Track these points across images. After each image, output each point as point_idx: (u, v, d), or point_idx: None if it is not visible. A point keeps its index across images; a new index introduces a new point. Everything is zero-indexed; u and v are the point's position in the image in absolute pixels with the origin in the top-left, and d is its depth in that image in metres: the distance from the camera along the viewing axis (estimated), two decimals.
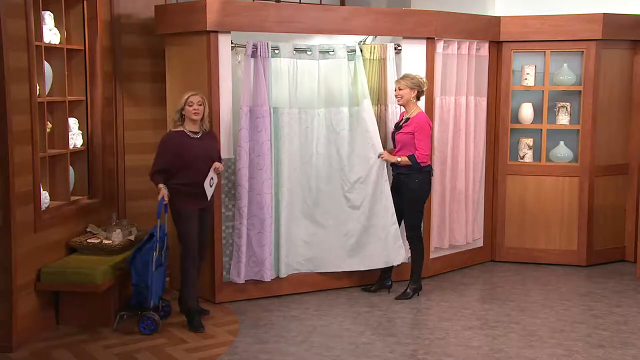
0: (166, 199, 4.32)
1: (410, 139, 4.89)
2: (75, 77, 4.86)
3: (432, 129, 5.07)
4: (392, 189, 5.11)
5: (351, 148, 5.10)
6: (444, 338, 4.36)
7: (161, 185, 4.32)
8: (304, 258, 5.08)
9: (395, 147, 5.01)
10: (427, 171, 4.98)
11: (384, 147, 5.15)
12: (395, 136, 4.99)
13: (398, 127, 5.00)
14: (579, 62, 5.93)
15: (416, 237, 5.05)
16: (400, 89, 4.90)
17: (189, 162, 4.31)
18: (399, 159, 4.90)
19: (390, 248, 5.11)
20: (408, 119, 4.93)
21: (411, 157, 4.88)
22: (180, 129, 4.35)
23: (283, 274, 5.03)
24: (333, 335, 4.37)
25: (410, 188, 4.94)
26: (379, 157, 5.00)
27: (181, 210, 4.36)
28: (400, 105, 4.98)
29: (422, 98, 5.10)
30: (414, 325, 4.61)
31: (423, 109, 5.09)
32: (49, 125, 4.59)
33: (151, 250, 4.32)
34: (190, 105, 4.34)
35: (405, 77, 4.93)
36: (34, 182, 4.22)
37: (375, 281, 5.24)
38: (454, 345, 4.24)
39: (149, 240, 4.38)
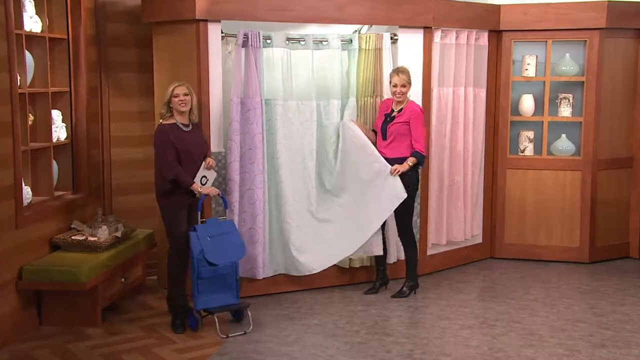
0: (214, 193, 4.38)
1: (406, 129, 4.87)
2: (58, 67, 4.82)
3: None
4: None
5: (342, 141, 5.08)
6: (441, 337, 4.35)
7: (196, 185, 4.28)
8: (308, 257, 5.03)
9: (385, 138, 4.96)
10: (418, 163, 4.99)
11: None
12: (388, 128, 4.94)
13: (391, 118, 4.96)
14: (581, 52, 5.92)
15: (409, 233, 5.03)
16: (403, 86, 4.86)
17: (183, 156, 4.28)
18: (410, 163, 4.86)
19: (387, 196, 4.93)
20: (401, 109, 4.90)
21: (415, 154, 4.86)
22: (172, 121, 4.31)
23: (294, 273, 5.02)
24: (327, 335, 4.36)
25: (404, 183, 4.92)
26: (391, 173, 4.88)
27: (169, 207, 4.33)
28: (398, 101, 4.93)
29: (420, 90, 5.10)
30: (411, 324, 4.60)
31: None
32: (31, 117, 4.55)
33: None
34: (176, 97, 4.30)
35: (404, 71, 4.88)
36: (15, 177, 4.18)
37: (373, 284, 5.18)
38: (452, 345, 4.23)
39: None
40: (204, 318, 4.41)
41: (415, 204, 5.45)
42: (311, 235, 5.03)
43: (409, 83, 4.88)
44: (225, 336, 4.29)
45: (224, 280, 4.40)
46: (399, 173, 4.87)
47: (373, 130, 5.09)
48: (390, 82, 4.94)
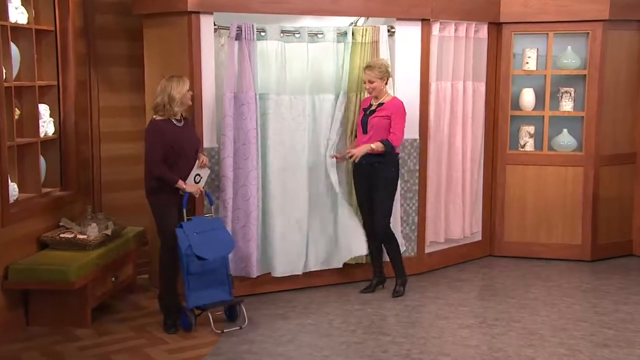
0: (197, 192, 4.38)
1: (387, 123, 4.86)
2: (45, 60, 4.78)
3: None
4: (362, 179, 4.98)
5: (335, 137, 5.08)
6: (440, 337, 4.34)
7: (182, 183, 4.28)
8: (298, 256, 5.05)
9: (366, 132, 4.93)
10: (398, 160, 4.98)
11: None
12: (368, 121, 4.90)
13: (371, 112, 4.92)
14: (584, 45, 5.89)
15: (390, 230, 4.99)
16: (371, 82, 4.84)
17: (178, 152, 4.27)
18: (372, 146, 4.83)
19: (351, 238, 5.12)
20: (382, 103, 4.88)
21: (385, 142, 4.82)
22: (165, 117, 4.28)
23: (278, 274, 5.00)
24: (323, 335, 4.35)
25: (387, 176, 4.90)
26: (350, 158, 4.87)
27: (159, 204, 4.32)
28: (373, 96, 4.92)
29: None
30: (409, 323, 4.59)
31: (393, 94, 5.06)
32: (17, 111, 4.51)
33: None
34: (189, 91, 4.33)
35: (372, 67, 4.84)
36: (1, 173, 4.14)
37: (370, 283, 5.17)
38: (450, 345, 4.22)
39: None
40: (197, 318, 4.39)
41: (414, 201, 5.45)
42: (294, 236, 5.02)
43: (379, 78, 4.82)
44: (220, 332, 4.28)
45: (215, 276, 4.41)
46: (357, 155, 4.81)
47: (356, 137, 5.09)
48: None
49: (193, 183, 4.37)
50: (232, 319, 4.50)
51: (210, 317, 4.32)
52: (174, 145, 4.24)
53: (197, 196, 4.46)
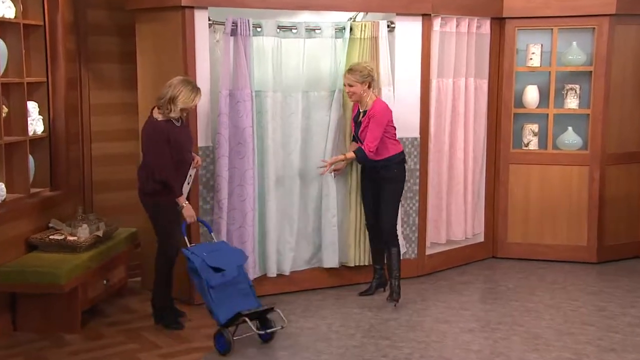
0: (192, 220, 4.40)
1: None
2: (33, 56, 4.75)
3: (390, 115, 4.83)
4: (367, 182, 4.96)
5: (332, 135, 5.06)
6: (441, 341, 4.32)
7: (182, 199, 4.30)
8: (293, 255, 5.07)
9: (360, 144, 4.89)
10: (403, 159, 4.92)
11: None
12: (359, 135, 4.85)
13: (358, 123, 4.87)
14: (589, 40, 5.87)
15: (395, 232, 4.95)
16: (350, 86, 4.77)
17: (176, 150, 4.28)
18: (346, 156, 4.84)
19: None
20: (365, 111, 4.82)
21: (358, 151, 4.78)
22: (165, 115, 4.28)
23: (272, 274, 5.00)
24: (321, 338, 4.33)
25: (390, 177, 4.85)
26: (320, 168, 4.90)
27: (163, 203, 4.32)
28: (353, 101, 4.87)
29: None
30: (409, 327, 4.56)
31: (381, 96, 5.01)
32: (5, 109, 4.49)
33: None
34: (195, 105, 4.37)
35: (352, 71, 4.76)
36: None
37: (370, 285, 5.14)
38: (451, 349, 4.20)
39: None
40: (234, 337, 4.12)
41: (415, 201, 5.43)
42: (287, 235, 5.03)
43: (359, 82, 4.72)
44: (263, 332, 4.14)
45: (237, 289, 4.23)
46: (328, 164, 4.84)
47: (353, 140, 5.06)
48: None
49: (186, 184, 4.37)
50: (266, 328, 4.22)
51: (249, 321, 4.06)
52: (176, 146, 4.27)
53: (189, 221, 4.40)
